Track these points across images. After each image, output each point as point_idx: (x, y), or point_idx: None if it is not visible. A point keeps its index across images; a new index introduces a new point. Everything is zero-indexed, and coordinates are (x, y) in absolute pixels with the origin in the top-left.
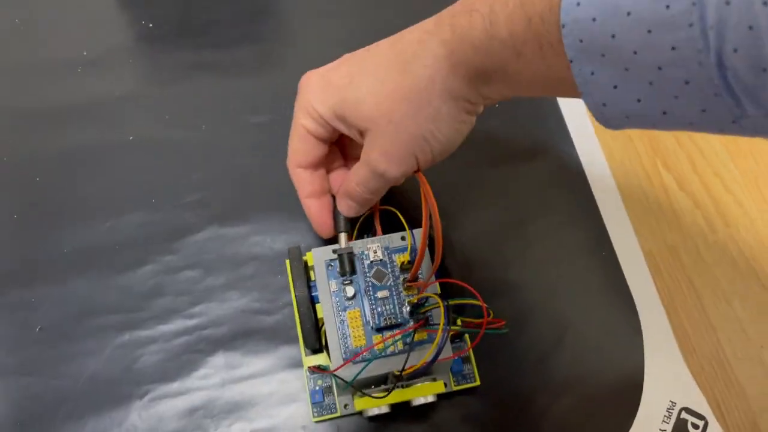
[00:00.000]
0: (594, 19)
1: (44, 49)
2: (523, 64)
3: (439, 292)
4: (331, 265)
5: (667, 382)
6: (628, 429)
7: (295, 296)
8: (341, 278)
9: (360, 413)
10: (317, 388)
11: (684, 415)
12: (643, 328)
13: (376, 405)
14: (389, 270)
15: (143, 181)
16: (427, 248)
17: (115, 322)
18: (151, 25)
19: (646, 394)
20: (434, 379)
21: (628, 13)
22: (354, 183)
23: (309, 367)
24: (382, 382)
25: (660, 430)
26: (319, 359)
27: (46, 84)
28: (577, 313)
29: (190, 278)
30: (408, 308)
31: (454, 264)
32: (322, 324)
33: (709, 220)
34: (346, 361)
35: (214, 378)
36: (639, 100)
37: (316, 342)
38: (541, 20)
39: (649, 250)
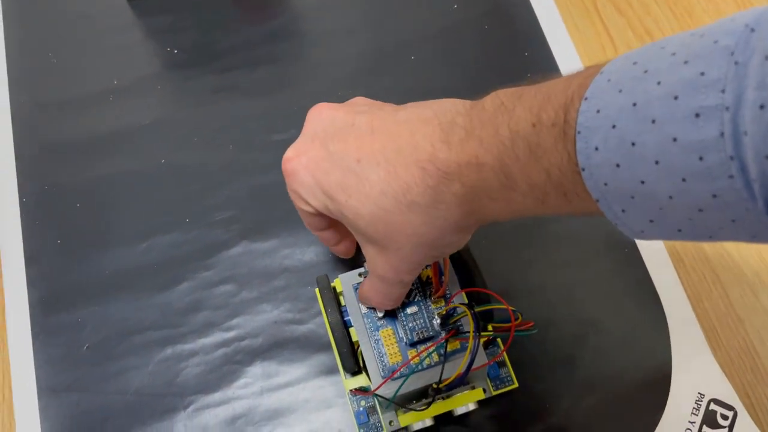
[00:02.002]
0: (618, 165)
1: (78, 82)
2: (547, 209)
3: (466, 301)
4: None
5: (694, 374)
6: (658, 422)
7: (329, 322)
8: None
9: (405, 428)
10: (361, 409)
11: (713, 406)
12: (669, 322)
13: (420, 419)
14: (415, 285)
15: (176, 202)
16: (448, 260)
17: (157, 338)
18: (175, 51)
19: (674, 387)
20: (473, 387)
21: (657, 162)
22: (374, 297)
23: (351, 390)
24: (423, 395)
25: (689, 422)
26: (359, 380)
27: (81, 114)
28: (603, 310)
29: (226, 292)
30: (438, 320)
31: (477, 269)
32: (358, 346)
33: None
34: (384, 379)
35: (253, 387)
36: (679, 230)
37: (355, 365)
38: (560, 171)
39: (672, 244)
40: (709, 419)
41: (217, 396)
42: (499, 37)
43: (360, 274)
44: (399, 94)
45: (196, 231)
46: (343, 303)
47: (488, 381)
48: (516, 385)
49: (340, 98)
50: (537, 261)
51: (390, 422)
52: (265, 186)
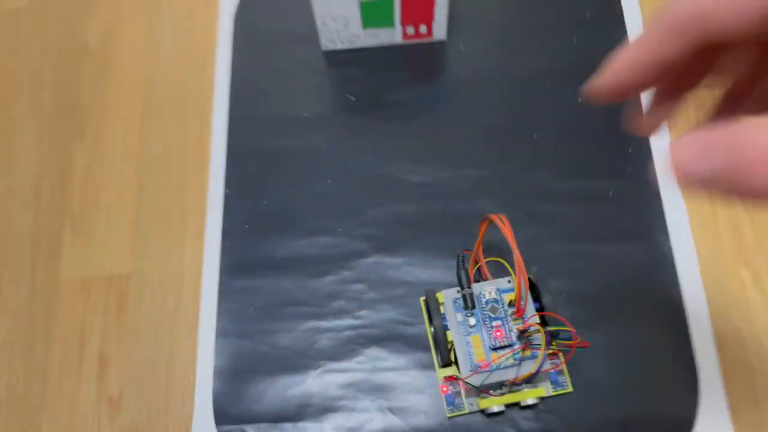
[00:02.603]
0: None
1: (279, 108)
2: None
3: (539, 321)
4: (457, 302)
5: None
6: None
7: (432, 325)
8: (464, 311)
9: (482, 411)
10: (449, 392)
11: None
12: (700, 391)
13: (495, 404)
14: (500, 305)
15: (333, 215)
16: (527, 288)
17: (304, 313)
18: (353, 98)
19: None
20: (536, 386)
21: None
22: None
23: (444, 377)
24: (497, 387)
25: None
26: (449, 371)
27: (279, 133)
28: (639, 368)
29: (358, 290)
30: (516, 333)
31: (550, 297)
32: (452, 345)
33: None
34: (472, 372)
35: (366, 364)
36: None
37: (448, 359)
38: None
39: (719, 329)
40: None
41: (340, 365)
42: (609, 134)
43: (458, 291)
44: (515, 167)
45: (344, 239)
46: (442, 311)
47: (549, 384)
48: (570, 389)
49: (467, 160)
50: (593, 314)
51: (471, 404)
52: (402, 214)
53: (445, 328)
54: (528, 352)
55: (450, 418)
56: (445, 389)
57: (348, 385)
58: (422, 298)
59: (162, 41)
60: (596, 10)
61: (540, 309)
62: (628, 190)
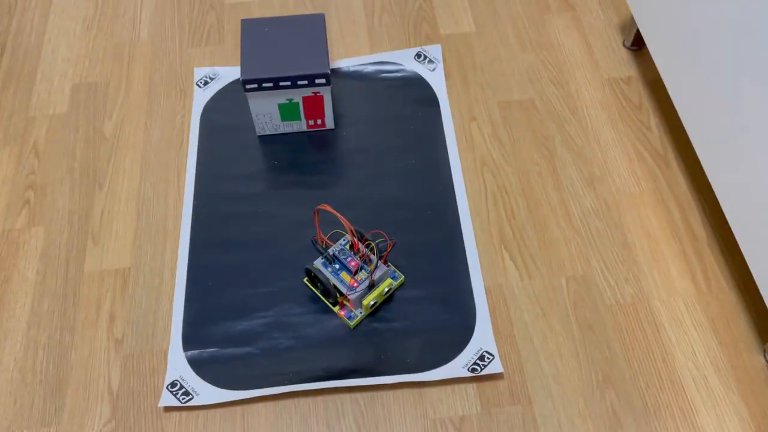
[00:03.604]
0: None
1: (226, 170)
2: None
3: (372, 246)
4: (323, 262)
5: (482, 338)
6: (459, 353)
7: (320, 282)
8: (330, 264)
9: (367, 316)
10: (345, 314)
11: (484, 352)
12: (477, 316)
13: (371, 299)
14: (348, 251)
15: (259, 229)
16: (355, 238)
17: (241, 284)
18: (276, 162)
19: (471, 341)
20: (385, 281)
21: None
22: None
23: (338, 308)
24: (368, 291)
25: (473, 355)
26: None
27: (225, 185)
28: (446, 308)
29: (275, 270)
30: (359, 259)
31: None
32: (335, 287)
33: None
34: (351, 291)
35: (279, 314)
36: None
37: (335, 299)
38: None
39: (487, 282)
40: (480, 356)
41: (262, 314)
42: (426, 179)
43: (322, 257)
44: (370, 197)
45: (267, 240)
46: (322, 273)
47: (391, 280)
48: (403, 278)
49: (342, 195)
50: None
51: (359, 311)
52: (299, 226)
53: (327, 280)
54: (372, 266)
55: (353, 327)
56: (342, 313)
57: (267, 325)
58: (305, 279)
59: (154, 130)
60: (423, 112)
61: (364, 241)
62: (440, 208)
